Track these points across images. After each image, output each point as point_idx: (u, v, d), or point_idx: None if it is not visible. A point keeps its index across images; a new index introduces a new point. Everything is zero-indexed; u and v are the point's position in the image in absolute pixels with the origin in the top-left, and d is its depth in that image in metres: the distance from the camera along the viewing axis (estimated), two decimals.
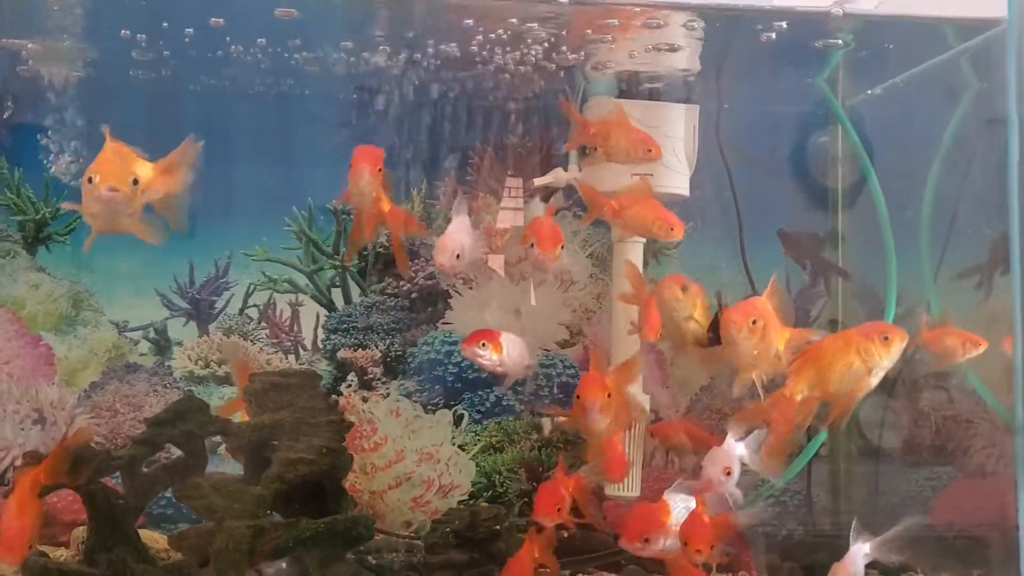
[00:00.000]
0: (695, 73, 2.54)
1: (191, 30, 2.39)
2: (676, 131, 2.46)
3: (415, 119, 2.85)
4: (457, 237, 1.97)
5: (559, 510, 1.97)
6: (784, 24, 2.32)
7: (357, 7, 2.37)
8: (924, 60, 2.52)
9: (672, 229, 2.10)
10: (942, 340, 2.32)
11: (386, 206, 1.93)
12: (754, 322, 1.78)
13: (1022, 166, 2.12)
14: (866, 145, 2.68)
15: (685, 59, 2.50)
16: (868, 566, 2.41)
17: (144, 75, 2.66)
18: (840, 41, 2.41)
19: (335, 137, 2.86)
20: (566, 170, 2.57)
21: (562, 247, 2.01)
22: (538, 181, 2.58)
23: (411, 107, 2.83)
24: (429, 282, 2.87)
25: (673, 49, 2.39)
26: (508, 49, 2.46)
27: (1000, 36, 2.16)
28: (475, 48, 2.46)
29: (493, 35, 2.38)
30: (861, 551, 2.11)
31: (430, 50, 2.51)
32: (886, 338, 1.76)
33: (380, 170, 1.85)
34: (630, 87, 2.52)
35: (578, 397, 1.90)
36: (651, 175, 2.45)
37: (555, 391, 2.80)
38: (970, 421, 2.64)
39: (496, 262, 2.82)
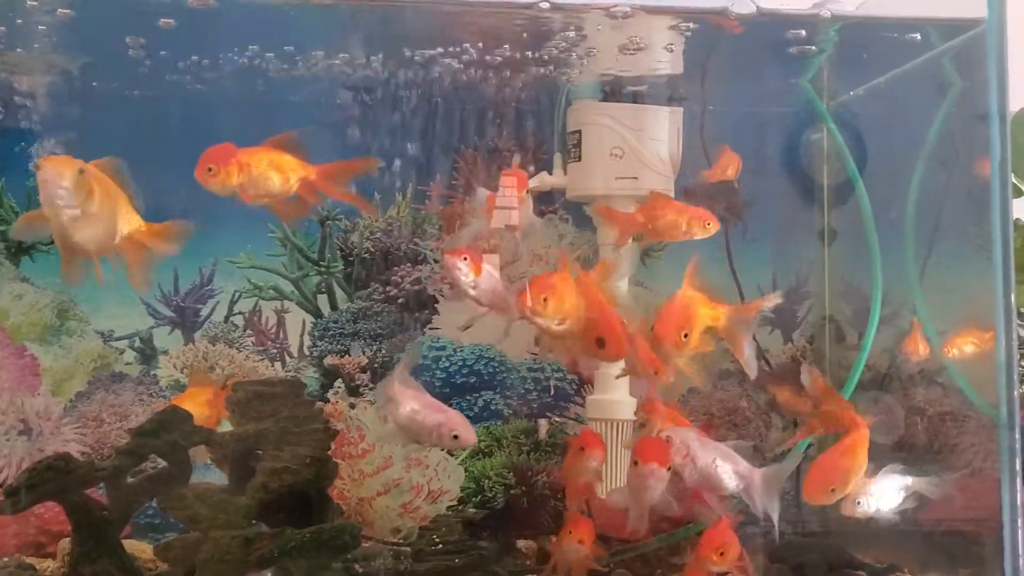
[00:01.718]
0: (679, 75, 2.54)
1: (173, 35, 2.38)
2: (660, 134, 2.46)
3: (401, 123, 2.84)
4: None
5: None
6: (767, 26, 2.32)
7: (342, 11, 2.36)
8: (907, 60, 2.52)
9: (708, 224, 2.10)
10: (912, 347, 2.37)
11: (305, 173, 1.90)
12: (685, 335, 1.81)
13: (1003, 164, 2.12)
14: (852, 145, 2.69)
15: (669, 62, 2.50)
16: (855, 567, 2.43)
17: (126, 82, 2.65)
18: (814, 47, 2.41)
19: (319, 142, 2.85)
20: (551, 174, 2.58)
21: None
22: None
23: (397, 111, 2.82)
24: (415, 287, 2.86)
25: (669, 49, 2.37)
26: (493, 52, 2.46)
27: (981, 36, 2.17)
28: (461, 52, 2.46)
29: (478, 38, 2.38)
30: (900, 480, 2.10)
31: (416, 54, 2.51)
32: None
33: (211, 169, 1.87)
34: (614, 90, 2.52)
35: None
36: (635, 178, 2.46)
37: (544, 395, 2.81)
38: (958, 418, 2.65)
39: (491, 262, 2.81)
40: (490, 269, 1.97)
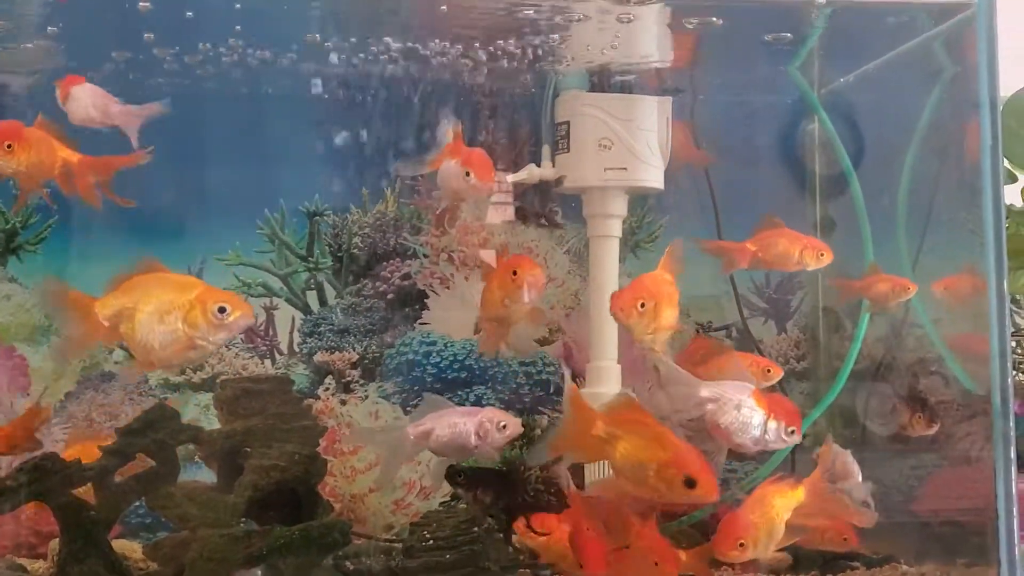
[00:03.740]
0: (667, 65, 2.52)
1: (159, 29, 2.36)
2: (649, 123, 2.44)
3: (388, 116, 2.82)
4: None
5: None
6: (756, 12, 2.31)
7: (329, 2, 2.35)
8: (897, 45, 2.50)
9: (822, 255, 2.13)
10: (874, 286, 2.34)
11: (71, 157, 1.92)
12: (642, 305, 1.79)
13: (994, 150, 2.10)
14: (846, 133, 2.67)
15: (657, 51, 2.48)
16: (850, 558, 2.42)
17: (113, 78, 2.62)
18: (789, 35, 2.40)
19: (306, 137, 2.84)
20: (539, 166, 2.55)
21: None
22: (511, 178, 2.56)
23: (384, 105, 2.80)
24: (405, 282, 2.85)
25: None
26: (482, 44, 2.44)
27: (971, 19, 2.15)
28: (448, 43, 2.44)
29: (466, 30, 2.36)
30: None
31: (403, 46, 2.49)
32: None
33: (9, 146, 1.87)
34: (601, 80, 2.50)
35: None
36: (624, 169, 2.44)
37: (536, 389, 2.79)
38: (952, 407, 2.63)
39: (489, 256, 2.80)
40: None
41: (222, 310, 1.57)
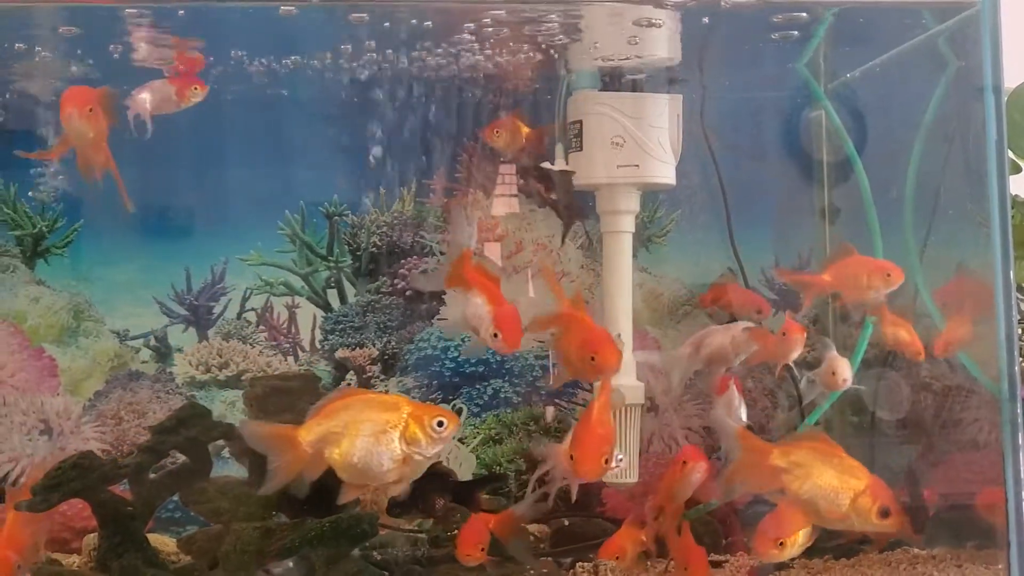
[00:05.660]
0: (677, 63, 2.56)
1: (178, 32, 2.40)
2: (660, 121, 2.48)
3: (404, 117, 2.87)
4: None
5: (481, 549, 1.99)
6: (762, 10, 2.34)
7: (343, 5, 2.38)
8: (903, 41, 2.54)
9: (889, 275, 2.15)
10: (890, 325, 2.38)
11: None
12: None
13: (999, 143, 2.15)
14: (852, 125, 2.71)
15: (666, 49, 2.51)
16: (861, 542, 2.47)
17: (129, 82, 2.67)
18: (796, 33, 2.44)
19: (324, 138, 2.89)
20: (552, 163, 2.60)
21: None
22: None
23: (400, 105, 2.84)
24: None
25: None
26: (494, 44, 2.48)
27: (975, 16, 2.19)
28: (461, 43, 2.48)
29: (479, 29, 2.40)
30: None
31: (417, 47, 2.53)
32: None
33: (91, 110, 1.95)
34: (613, 79, 2.54)
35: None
36: (637, 166, 2.49)
37: (551, 382, 2.85)
38: (961, 393, 2.67)
39: (492, 251, 2.85)
40: None
41: (440, 424, 1.60)
